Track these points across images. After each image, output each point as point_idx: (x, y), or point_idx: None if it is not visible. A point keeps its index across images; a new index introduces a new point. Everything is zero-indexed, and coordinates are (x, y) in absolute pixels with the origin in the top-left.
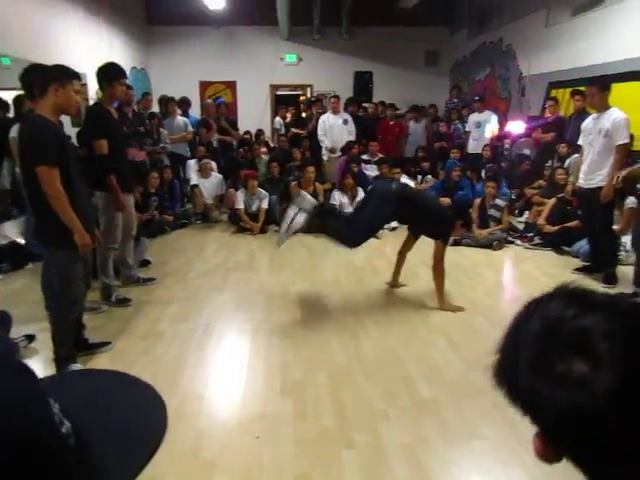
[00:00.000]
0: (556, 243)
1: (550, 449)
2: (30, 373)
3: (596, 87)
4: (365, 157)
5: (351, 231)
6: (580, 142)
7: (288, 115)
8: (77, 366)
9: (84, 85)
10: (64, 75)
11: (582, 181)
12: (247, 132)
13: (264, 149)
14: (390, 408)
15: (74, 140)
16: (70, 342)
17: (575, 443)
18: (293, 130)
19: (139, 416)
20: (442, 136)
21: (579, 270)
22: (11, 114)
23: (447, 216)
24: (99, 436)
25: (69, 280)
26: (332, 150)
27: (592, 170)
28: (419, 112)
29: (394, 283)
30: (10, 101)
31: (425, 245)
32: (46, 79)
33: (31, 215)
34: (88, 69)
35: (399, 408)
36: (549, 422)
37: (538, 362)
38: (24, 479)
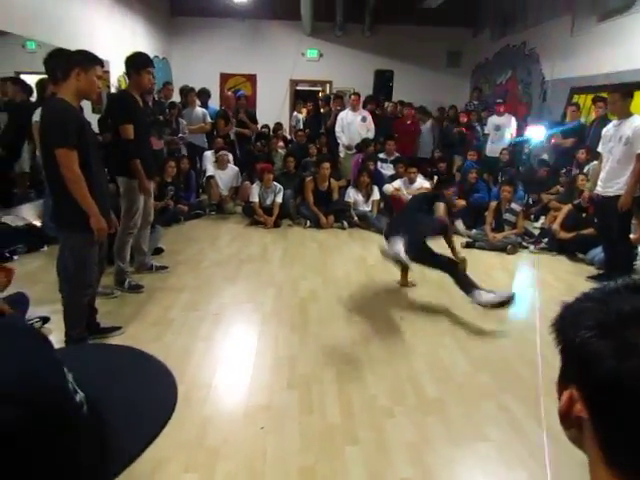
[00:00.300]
0: (570, 250)
1: (577, 413)
2: (47, 342)
3: (618, 94)
4: (381, 156)
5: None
6: (599, 149)
7: (304, 110)
8: None
9: (106, 72)
10: (87, 60)
11: (600, 189)
12: (265, 126)
13: (281, 143)
14: (396, 406)
15: (94, 127)
16: (82, 325)
17: (622, 412)
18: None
19: (150, 391)
20: (460, 124)
21: (593, 278)
22: (34, 98)
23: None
24: (110, 408)
25: (84, 264)
26: (349, 147)
27: (610, 178)
28: (425, 114)
29: (403, 282)
30: (34, 85)
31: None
32: (69, 63)
33: (49, 198)
34: (111, 57)
35: (405, 406)
36: (605, 387)
37: (619, 332)
38: (41, 441)
